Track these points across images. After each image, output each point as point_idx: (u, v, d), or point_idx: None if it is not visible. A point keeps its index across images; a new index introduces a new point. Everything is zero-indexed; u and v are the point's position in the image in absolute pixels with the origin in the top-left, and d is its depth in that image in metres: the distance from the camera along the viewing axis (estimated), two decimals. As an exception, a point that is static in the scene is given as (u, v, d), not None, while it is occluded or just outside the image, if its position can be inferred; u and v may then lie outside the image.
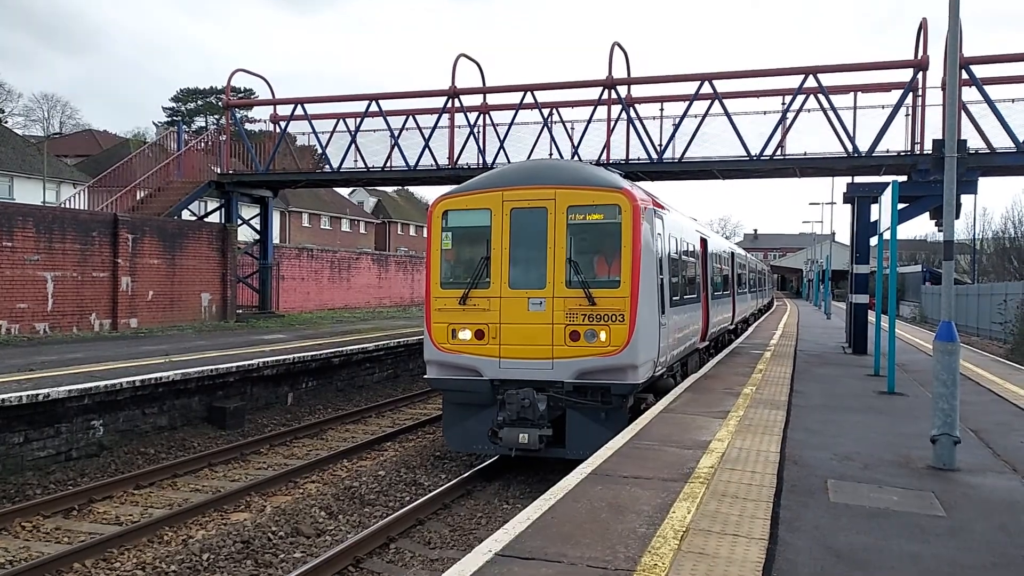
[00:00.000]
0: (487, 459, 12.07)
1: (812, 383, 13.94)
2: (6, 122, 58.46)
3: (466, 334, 11.08)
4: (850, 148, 20.39)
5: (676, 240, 13.76)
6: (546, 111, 23.56)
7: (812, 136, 21.04)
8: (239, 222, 28.58)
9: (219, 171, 27.84)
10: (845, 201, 20.75)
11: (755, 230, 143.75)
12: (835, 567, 5.07)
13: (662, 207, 12.97)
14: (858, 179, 23.14)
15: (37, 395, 11.41)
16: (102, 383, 12.50)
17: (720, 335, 21.20)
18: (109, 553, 8.58)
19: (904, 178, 19.74)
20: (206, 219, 30.33)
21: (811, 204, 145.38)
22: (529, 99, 23.30)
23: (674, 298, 13.01)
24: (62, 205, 28.68)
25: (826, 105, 20.50)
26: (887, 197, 13.45)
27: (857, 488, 6.99)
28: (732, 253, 25.06)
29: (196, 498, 10.74)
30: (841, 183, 38.36)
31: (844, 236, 55.04)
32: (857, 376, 15.18)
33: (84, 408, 12.33)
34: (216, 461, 12.77)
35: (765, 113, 21.49)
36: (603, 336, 10.58)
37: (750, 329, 29.50)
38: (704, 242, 17.78)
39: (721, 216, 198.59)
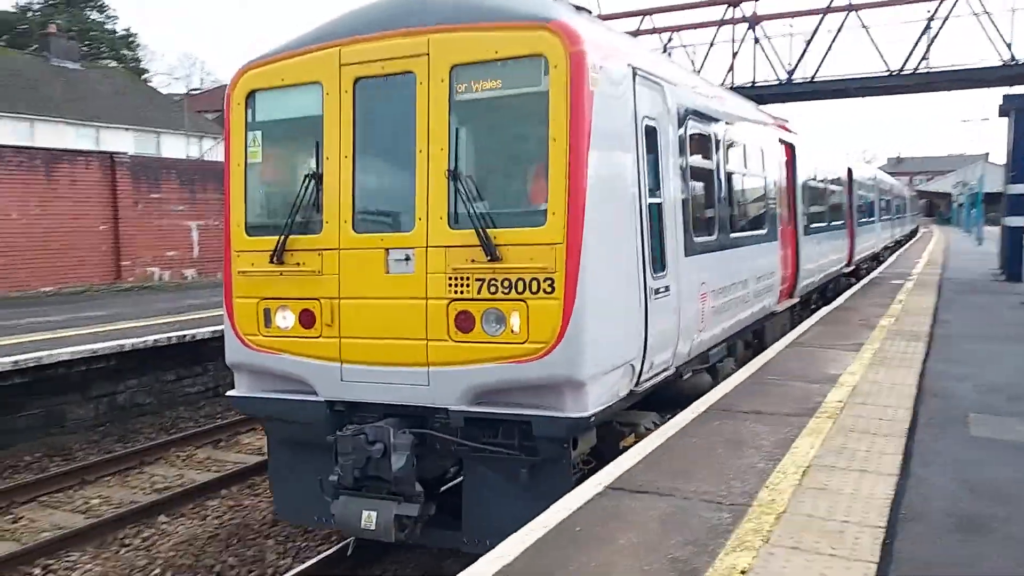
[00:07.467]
0: None
1: (958, 312, 13.03)
2: (151, 81, 62.12)
3: (287, 318, 6.31)
4: (1006, 56, 18.57)
5: (713, 138, 8.31)
6: (666, 36, 22.71)
7: (961, 45, 19.31)
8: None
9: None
10: (1001, 115, 18.95)
11: (899, 154, 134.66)
12: (974, 502, 4.75)
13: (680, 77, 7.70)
14: (1016, 90, 21.07)
15: (184, 336, 12.30)
16: (242, 324, 13.28)
17: (825, 284, 15.83)
18: (252, 480, 9.25)
19: (1070, 85, 17.84)
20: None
21: (964, 121, 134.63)
22: (648, 24, 22.50)
23: (706, 238, 7.85)
24: (202, 158, 30.34)
25: (978, 9, 18.69)
26: (1047, 107, 12.18)
27: (1002, 421, 6.51)
28: (849, 170, 18.79)
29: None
30: (997, 96, 35.15)
31: (999, 156, 50.61)
32: (1010, 305, 14.11)
33: (227, 347, 13.18)
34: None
35: (906, 23, 19.87)
36: (515, 322, 5.53)
37: (891, 258, 27.86)
38: (791, 149, 11.98)
39: (863, 145, 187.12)
